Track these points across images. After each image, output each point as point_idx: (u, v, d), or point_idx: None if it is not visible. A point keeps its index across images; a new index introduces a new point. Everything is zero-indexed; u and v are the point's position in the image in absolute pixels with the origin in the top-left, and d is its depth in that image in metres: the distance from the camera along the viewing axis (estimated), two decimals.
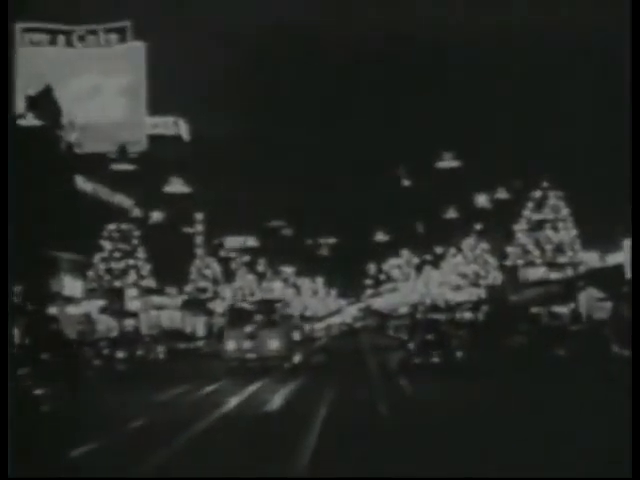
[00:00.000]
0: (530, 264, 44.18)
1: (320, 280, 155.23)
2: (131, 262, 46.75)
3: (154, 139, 74.78)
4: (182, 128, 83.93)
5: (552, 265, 43.20)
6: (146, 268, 47.22)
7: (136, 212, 50.32)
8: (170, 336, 48.57)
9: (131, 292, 57.62)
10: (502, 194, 46.04)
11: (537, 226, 44.10)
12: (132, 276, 45.79)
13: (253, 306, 37.63)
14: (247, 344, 33.31)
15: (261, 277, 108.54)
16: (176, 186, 42.29)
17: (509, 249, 45.63)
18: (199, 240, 75.02)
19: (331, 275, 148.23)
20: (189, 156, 76.85)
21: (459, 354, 46.71)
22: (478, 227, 60.25)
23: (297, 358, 39.20)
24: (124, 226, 47.42)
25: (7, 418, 10.96)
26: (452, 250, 75.06)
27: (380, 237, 59.54)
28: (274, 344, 33.42)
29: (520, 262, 44.47)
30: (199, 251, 74.32)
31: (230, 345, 34.00)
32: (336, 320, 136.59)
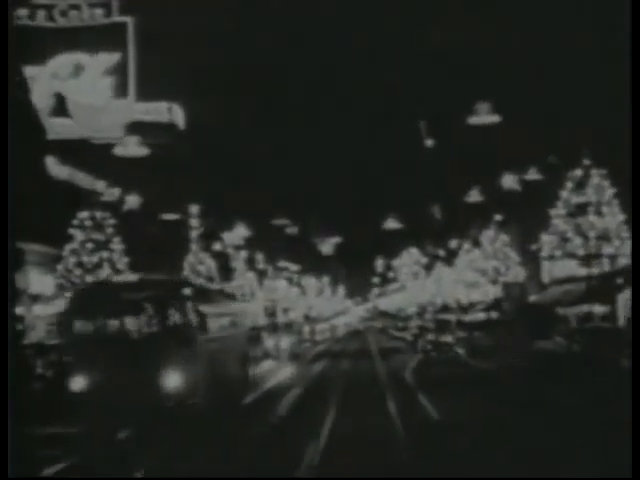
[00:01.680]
0: (570, 255, 37.95)
1: (326, 279, 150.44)
2: (105, 254, 40.89)
3: (145, 126, 69.17)
4: (177, 115, 78.12)
5: (589, 258, 37.03)
6: (123, 261, 41.39)
7: (109, 195, 44.44)
8: None
9: None
10: (533, 175, 39.73)
11: (578, 210, 37.82)
12: (106, 270, 39.93)
13: (129, 293, 17.66)
14: (112, 379, 16.33)
15: (262, 275, 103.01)
16: (130, 147, 35.89)
17: (544, 237, 39.41)
18: (194, 234, 69.22)
19: (337, 274, 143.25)
20: (184, 147, 71.44)
21: (461, 351, 42.71)
22: (498, 217, 54.43)
23: (272, 381, 29.09)
24: (98, 213, 41.54)
25: (7, 416, 10.27)
26: (466, 245, 69.52)
27: (391, 225, 52.62)
28: (172, 380, 16.60)
29: (558, 253, 38.28)
30: (193, 246, 68.64)
31: (76, 383, 17.08)
32: (341, 321, 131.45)
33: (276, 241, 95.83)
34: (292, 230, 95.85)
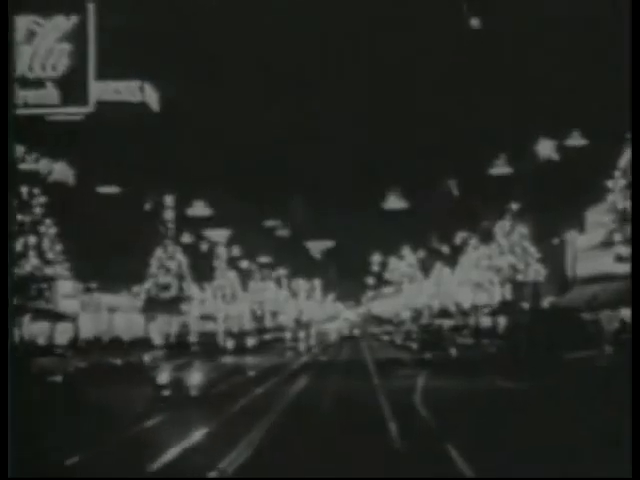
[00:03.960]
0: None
1: (317, 282, 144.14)
2: (32, 240, 32.52)
3: (113, 106, 61.37)
4: (149, 95, 70.23)
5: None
6: (55, 249, 33.03)
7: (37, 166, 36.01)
8: (98, 346, 35.01)
9: (64, 286, 44.22)
10: (576, 140, 31.21)
11: None
12: (31, 261, 31.57)
13: None
14: None
15: (248, 276, 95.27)
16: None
17: (605, 219, 31.02)
18: (170, 227, 60.97)
19: (329, 276, 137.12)
20: (158, 131, 63.81)
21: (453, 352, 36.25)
22: (514, 207, 46.45)
23: None
24: (23, 188, 33.16)
25: (7, 418, 10.16)
26: (473, 241, 62.39)
27: (393, 204, 42.87)
28: None
29: (619, 238, 29.96)
30: (167, 241, 60.61)
31: None
32: (331, 327, 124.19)
33: (265, 242, 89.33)
34: (283, 232, 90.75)
